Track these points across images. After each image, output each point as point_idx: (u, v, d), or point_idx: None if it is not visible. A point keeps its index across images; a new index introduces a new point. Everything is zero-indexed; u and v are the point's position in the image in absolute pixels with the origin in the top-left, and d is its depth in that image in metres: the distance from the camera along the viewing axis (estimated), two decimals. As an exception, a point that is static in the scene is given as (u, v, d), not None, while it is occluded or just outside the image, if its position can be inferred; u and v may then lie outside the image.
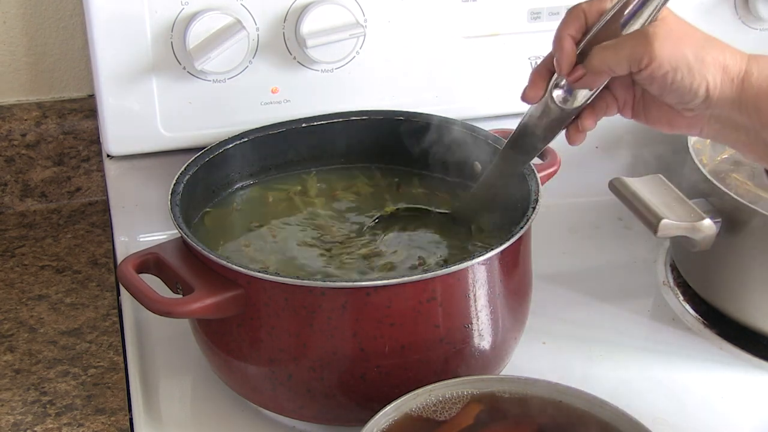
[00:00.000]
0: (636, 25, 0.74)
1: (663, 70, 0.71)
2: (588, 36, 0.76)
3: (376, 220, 0.92)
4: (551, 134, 0.81)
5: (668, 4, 0.74)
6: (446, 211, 0.92)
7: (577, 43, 0.76)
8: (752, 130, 0.73)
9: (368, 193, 0.98)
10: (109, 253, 1.09)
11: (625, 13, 0.74)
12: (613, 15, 0.75)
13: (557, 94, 0.79)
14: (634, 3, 0.74)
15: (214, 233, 0.92)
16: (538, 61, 1.11)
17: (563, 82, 0.78)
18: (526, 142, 0.84)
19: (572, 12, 0.76)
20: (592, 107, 0.79)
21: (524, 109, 1.14)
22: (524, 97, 0.80)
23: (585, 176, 1.11)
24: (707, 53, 0.72)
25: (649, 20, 0.74)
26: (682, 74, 0.71)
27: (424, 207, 0.93)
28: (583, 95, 0.78)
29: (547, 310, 0.95)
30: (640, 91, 0.77)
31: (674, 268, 1.04)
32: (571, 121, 0.80)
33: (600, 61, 0.73)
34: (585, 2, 0.77)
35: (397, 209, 0.93)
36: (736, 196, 0.90)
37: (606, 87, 0.78)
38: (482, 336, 0.81)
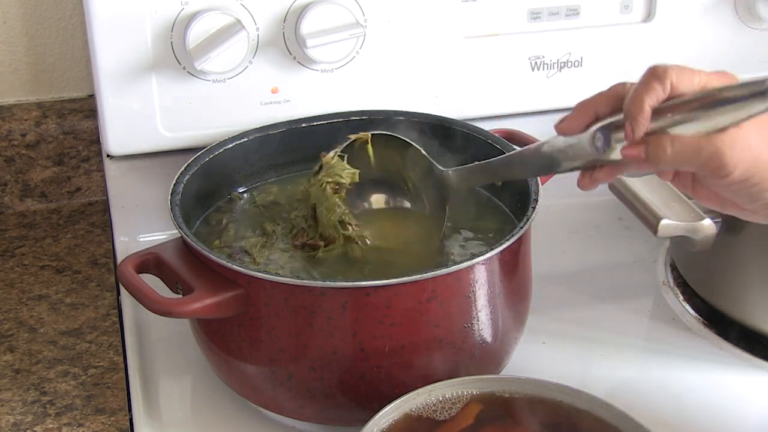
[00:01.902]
0: (720, 120, 0.66)
1: (734, 181, 0.67)
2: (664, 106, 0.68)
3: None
4: (563, 169, 0.76)
5: None
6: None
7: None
8: None
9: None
10: (109, 253, 1.09)
11: (715, 102, 0.66)
12: (698, 98, 0.67)
13: (598, 139, 0.72)
14: (728, 100, 0.66)
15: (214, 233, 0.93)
16: (539, 62, 1.12)
17: (608, 133, 0.71)
18: (534, 164, 0.79)
19: (660, 78, 0.68)
20: (621, 164, 0.72)
21: (523, 109, 1.15)
22: (560, 128, 0.73)
23: (585, 176, 1.11)
24: None
25: (736, 121, 0.66)
26: (753, 182, 0.67)
27: (400, 137, 0.91)
28: (617, 152, 0.71)
29: (547, 310, 0.95)
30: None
31: (674, 268, 1.04)
32: (590, 167, 0.74)
33: (665, 155, 0.67)
34: (675, 71, 0.68)
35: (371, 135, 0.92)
36: (736, 196, 0.90)
37: None
38: (482, 336, 0.81)
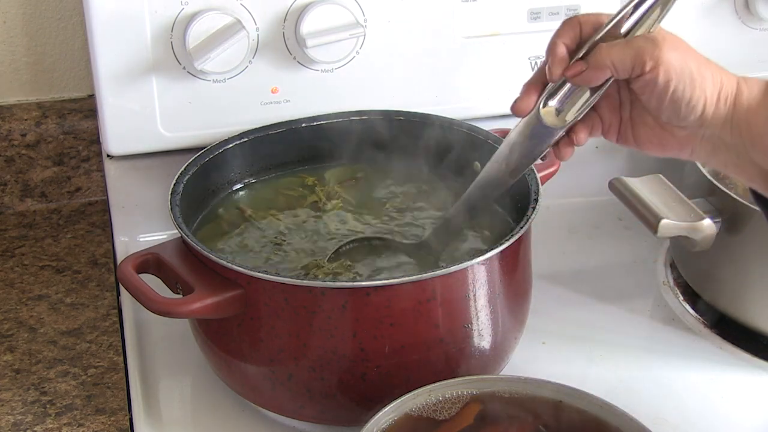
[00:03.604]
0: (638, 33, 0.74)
1: (666, 77, 0.71)
2: (585, 46, 0.74)
3: (347, 246, 0.90)
4: (535, 155, 0.79)
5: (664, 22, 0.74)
6: (412, 242, 0.90)
7: (571, 54, 0.75)
8: (742, 150, 0.72)
9: (368, 193, 0.98)
10: (109, 253, 1.09)
11: (625, 24, 0.74)
12: (612, 25, 0.74)
13: (550, 104, 0.77)
14: (634, 15, 0.74)
15: (214, 234, 0.93)
16: (539, 62, 1.12)
17: (557, 97, 0.76)
18: (511, 162, 0.81)
19: (567, 22, 0.75)
20: (583, 121, 0.77)
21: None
22: (514, 108, 0.78)
23: (585, 176, 1.11)
24: (707, 69, 0.72)
25: (649, 31, 0.74)
26: (684, 85, 0.71)
27: (388, 238, 0.91)
28: (575, 109, 0.76)
29: (547, 310, 0.95)
30: (627, 113, 0.76)
31: (674, 268, 1.04)
32: (560, 138, 0.78)
33: (605, 55, 0.72)
34: (581, 15, 0.76)
35: (366, 238, 0.91)
36: (736, 196, 0.90)
37: (592, 108, 0.76)
38: (482, 336, 0.81)
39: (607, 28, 0.74)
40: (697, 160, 0.77)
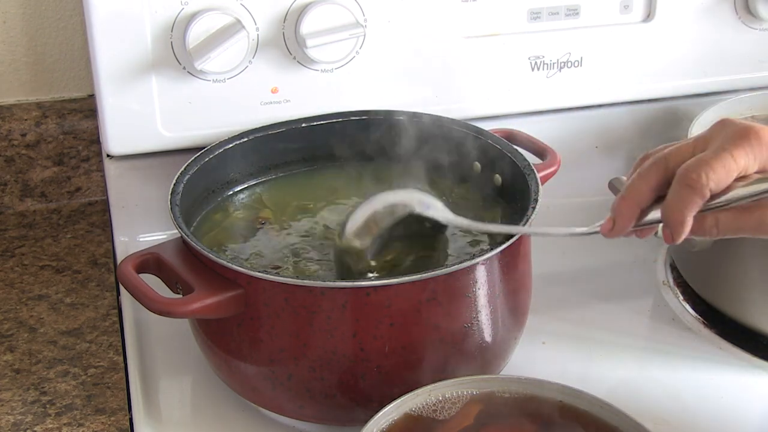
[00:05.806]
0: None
1: None
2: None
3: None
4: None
5: None
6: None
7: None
8: None
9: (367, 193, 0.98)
10: (109, 253, 1.09)
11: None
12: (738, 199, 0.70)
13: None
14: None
15: (215, 234, 0.93)
16: (538, 62, 1.12)
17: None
18: None
19: (698, 191, 0.70)
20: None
21: (523, 109, 1.14)
22: (610, 234, 0.76)
23: (585, 176, 1.11)
24: None
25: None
26: None
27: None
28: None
29: (547, 310, 0.95)
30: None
31: (674, 268, 1.04)
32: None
33: (715, 233, 0.71)
34: (668, 151, 0.72)
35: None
36: (736, 196, 0.90)
37: None
38: (482, 336, 0.81)
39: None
40: None
